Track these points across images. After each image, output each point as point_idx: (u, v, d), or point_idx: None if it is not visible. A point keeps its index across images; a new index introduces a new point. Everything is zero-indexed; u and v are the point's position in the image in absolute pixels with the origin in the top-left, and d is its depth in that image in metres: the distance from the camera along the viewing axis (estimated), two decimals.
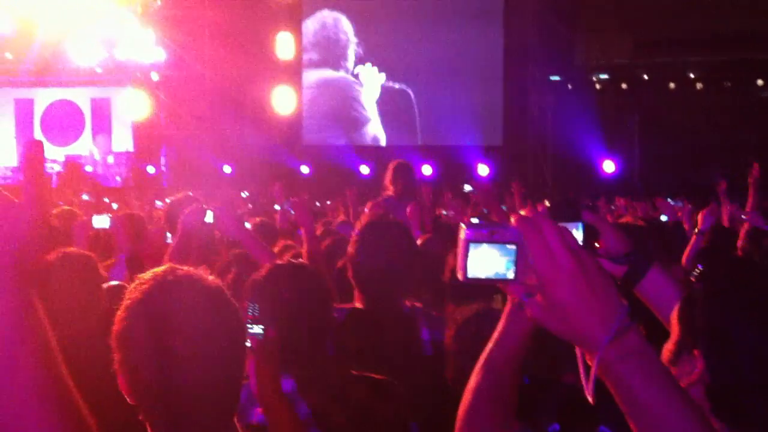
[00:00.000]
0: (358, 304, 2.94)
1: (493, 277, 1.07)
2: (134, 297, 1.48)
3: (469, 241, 1.07)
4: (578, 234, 1.52)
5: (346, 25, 20.30)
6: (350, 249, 3.00)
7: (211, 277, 1.56)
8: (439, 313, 2.94)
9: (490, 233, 1.07)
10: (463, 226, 1.08)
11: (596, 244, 1.60)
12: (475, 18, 19.78)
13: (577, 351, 1.11)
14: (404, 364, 2.60)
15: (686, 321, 1.36)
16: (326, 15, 20.32)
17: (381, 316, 2.86)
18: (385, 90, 20.44)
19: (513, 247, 1.06)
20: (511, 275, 1.06)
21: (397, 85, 20.36)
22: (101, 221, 4.12)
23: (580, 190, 15.90)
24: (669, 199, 10.12)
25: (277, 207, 11.21)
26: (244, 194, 14.03)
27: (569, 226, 1.48)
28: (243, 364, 1.57)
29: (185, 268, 1.55)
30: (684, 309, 1.38)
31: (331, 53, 20.36)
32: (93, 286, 3.07)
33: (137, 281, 1.51)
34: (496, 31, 20.18)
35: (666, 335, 1.43)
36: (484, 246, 1.06)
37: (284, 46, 18.28)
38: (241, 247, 3.82)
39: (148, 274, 1.52)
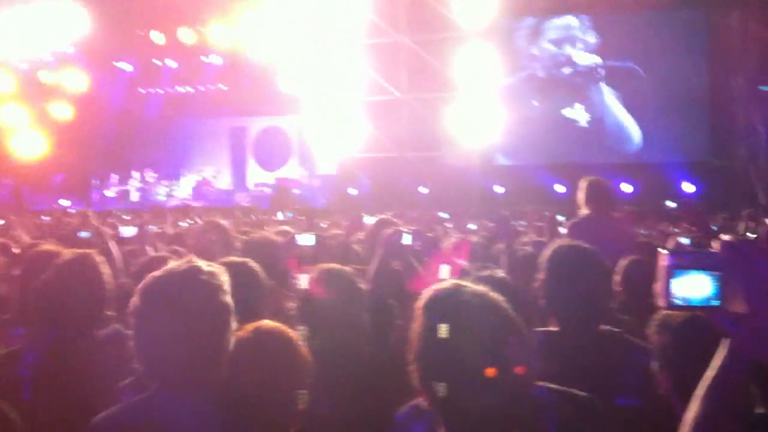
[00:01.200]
0: (552, 328, 2.90)
1: (697, 304, 1.05)
2: (424, 315, 1.70)
3: (671, 268, 1.06)
4: None
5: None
6: (541, 275, 2.96)
7: (493, 294, 1.74)
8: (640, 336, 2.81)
9: (694, 260, 1.06)
10: (664, 252, 1.08)
11: None
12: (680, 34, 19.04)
13: None
14: (602, 388, 2.48)
15: None
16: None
17: (577, 340, 2.81)
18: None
19: (717, 273, 1.04)
20: (716, 302, 1.04)
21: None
22: (307, 239, 4.37)
23: None
24: None
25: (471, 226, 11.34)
26: (445, 215, 14.18)
27: None
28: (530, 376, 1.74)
29: (470, 285, 1.74)
30: None
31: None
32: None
33: (428, 289, 1.73)
34: (701, 44, 19.20)
35: None
36: (688, 272, 1.05)
37: (476, 68, 18.39)
38: None
39: (433, 286, 1.74)
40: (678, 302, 1.06)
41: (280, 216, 13.68)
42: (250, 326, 2.20)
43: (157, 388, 2.03)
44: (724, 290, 1.04)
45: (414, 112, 19.54)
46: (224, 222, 5.13)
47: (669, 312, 2.31)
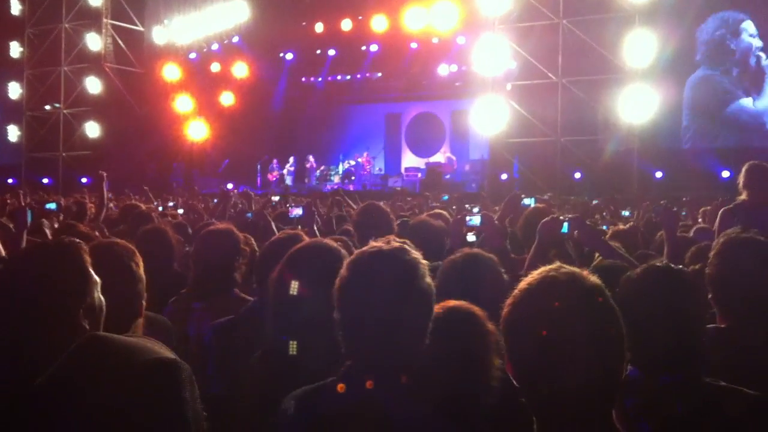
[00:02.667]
0: (721, 324, 2.77)
1: None
2: (522, 288, 1.66)
3: None
4: None
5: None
6: (709, 268, 2.83)
7: (592, 277, 1.63)
8: None
9: None
10: None
11: None
12: None
13: None
14: None
15: None
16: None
17: (749, 339, 2.64)
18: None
19: None
20: None
21: None
22: (474, 219, 4.50)
23: None
24: None
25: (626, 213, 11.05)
26: (595, 201, 13.90)
27: None
28: (621, 364, 1.60)
29: (569, 267, 1.66)
30: None
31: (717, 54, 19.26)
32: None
33: (529, 276, 1.67)
34: None
35: None
36: None
37: (638, 49, 17.72)
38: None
39: (537, 271, 1.67)
40: None
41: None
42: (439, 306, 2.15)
43: (350, 373, 1.94)
44: None
45: (569, 96, 19.12)
46: (383, 204, 5.22)
47: None
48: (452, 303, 2.26)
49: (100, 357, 1.40)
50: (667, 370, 2.17)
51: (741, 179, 5.53)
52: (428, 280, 1.96)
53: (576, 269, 1.66)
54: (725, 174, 17.56)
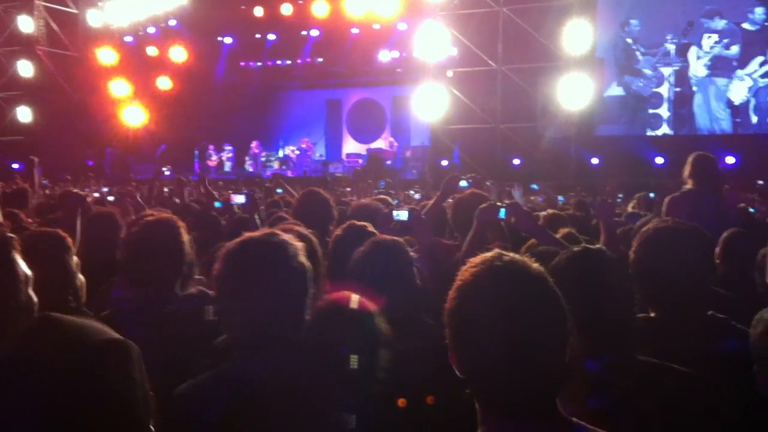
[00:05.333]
0: (652, 314, 2.75)
1: None
2: (465, 278, 1.63)
3: None
4: None
5: None
6: (633, 255, 2.80)
7: (535, 265, 1.64)
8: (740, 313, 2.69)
9: None
10: None
11: None
12: None
13: None
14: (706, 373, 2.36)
15: None
16: None
17: (676, 327, 2.64)
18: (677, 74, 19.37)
19: None
20: None
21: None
22: (401, 215, 4.46)
23: None
24: None
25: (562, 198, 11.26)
26: (535, 186, 14.13)
27: None
28: (565, 350, 1.59)
29: (511, 254, 1.65)
30: None
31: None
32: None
33: (469, 264, 1.65)
34: None
35: None
36: None
37: (576, 38, 17.99)
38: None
39: (478, 258, 1.65)
40: None
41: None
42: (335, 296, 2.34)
43: (240, 354, 2.11)
44: None
45: (509, 83, 19.34)
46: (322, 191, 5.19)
47: None
48: (346, 293, 2.34)
49: (51, 337, 1.42)
50: (604, 350, 2.20)
51: (687, 169, 5.63)
52: (300, 259, 2.16)
53: (518, 256, 1.66)
54: (659, 160, 18.05)
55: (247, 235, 2.20)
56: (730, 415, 2.23)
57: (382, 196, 6.46)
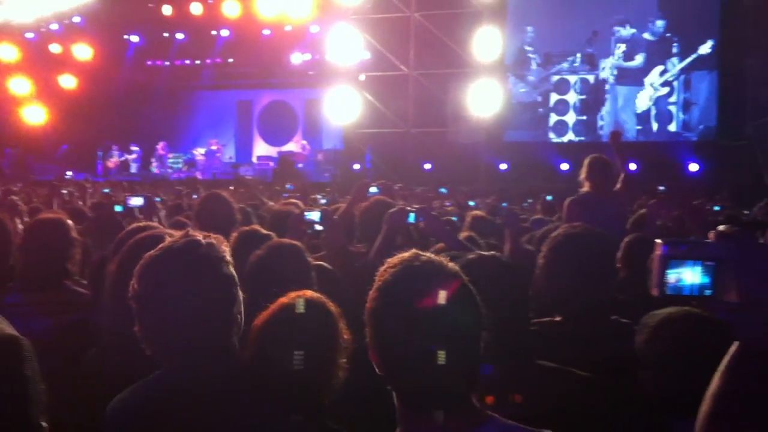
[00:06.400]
0: (557, 318, 2.80)
1: (691, 294, 1.07)
2: (386, 278, 1.64)
3: (666, 258, 1.09)
4: None
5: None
6: (541, 261, 2.84)
7: (450, 264, 1.67)
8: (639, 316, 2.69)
9: (689, 249, 1.08)
10: (659, 242, 1.11)
11: None
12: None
13: None
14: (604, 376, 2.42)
15: None
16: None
17: (579, 332, 2.69)
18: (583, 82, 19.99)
19: (713, 263, 1.06)
20: (709, 292, 1.07)
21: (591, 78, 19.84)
22: (313, 215, 4.39)
23: None
24: None
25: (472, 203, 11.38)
26: (443, 190, 14.24)
27: None
28: (479, 345, 1.64)
29: (427, 254, 1.69)
30: None
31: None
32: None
33: (387, 264, 1.67)
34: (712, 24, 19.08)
35: None
36: (682, 262, 1.07)
37: (486, 45, 18.24)
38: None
39: (396, 259, 1.67)
40: (671, 291, 1.08)
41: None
42: (290, 296, 2.20)
43: (168, 366, 1.98)
44: (718, 280, 1.06)
45: (421, 88, 19.47)
46: (226, 194, 5.10)
47: (661, 316, 2.32)
48: (297, 293, 2.25)
49: None
50: (499, 355, 2.15)
51: (583, 172, 5.76)
52: (226, 269, 2.00)
53: (434, 256, 1.69)
54: (564, 167, 18.51)
55: (169, 241, 2.04)
56: (619, 416, 2.29)
57: (292, 201, 6.33)
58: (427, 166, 19.68)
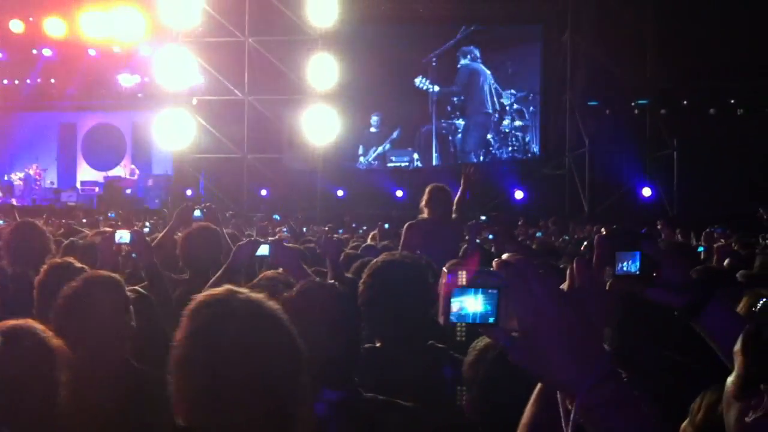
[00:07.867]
0: (377, 344, 2.86)
1: (474, 322, 1.07)
2: (195, 325, 1.51)
3: (450, 286, 1.07)
4: (635, 264, 1.49)
5: None
6: (362, 288, 2.89)
7: (270, 302, 1.59)
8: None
9: (473, 278, 1.07)
10: (445, 270, 1.09)
11: (654, 275, 1.53)
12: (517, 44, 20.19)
13: (559, 396, 1.10)
14: (423, 402, 2.49)
15: (752, 354, 1.26)
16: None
17: (398, 355, 2.76)
18: None
19: (495, 291, 1.06)
20: (492, 320, 1.06)
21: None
22: (123, 236, 4.18)
23: (619, 217, 15.66)
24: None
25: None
26: (277, 217, 14.17)
27: (627, 255, 1.49)
28: (300, 389, 1.57)
29: (245, 291, 1.59)
30: (749, 342, 1.28)
31: None
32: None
33: (197, 303, 1.54)
34: (533, 56, 20.41)
35: (723, 370, 1.37)
36: (465, 290, 1.06)
37: (320, 73, 18.35)
38: None
39: (206, 298, 1.55)
40: (455, 319, 1.07)
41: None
42: None
43: None
44: (499, 308, 1.05)
45: (256, 114, 19.30)
46: (40, 223, 4.84)
47: (485, 346, 2.33)
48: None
49: None
50: (331, 386, 2.22)
51: (423, 198, 5.97)
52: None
53: (252, 293, 1.61)
54: (399, 193, 18.96)
55: None
56: None
57: (105, 229, 6.03)
58: (263, 192, 19.49)
